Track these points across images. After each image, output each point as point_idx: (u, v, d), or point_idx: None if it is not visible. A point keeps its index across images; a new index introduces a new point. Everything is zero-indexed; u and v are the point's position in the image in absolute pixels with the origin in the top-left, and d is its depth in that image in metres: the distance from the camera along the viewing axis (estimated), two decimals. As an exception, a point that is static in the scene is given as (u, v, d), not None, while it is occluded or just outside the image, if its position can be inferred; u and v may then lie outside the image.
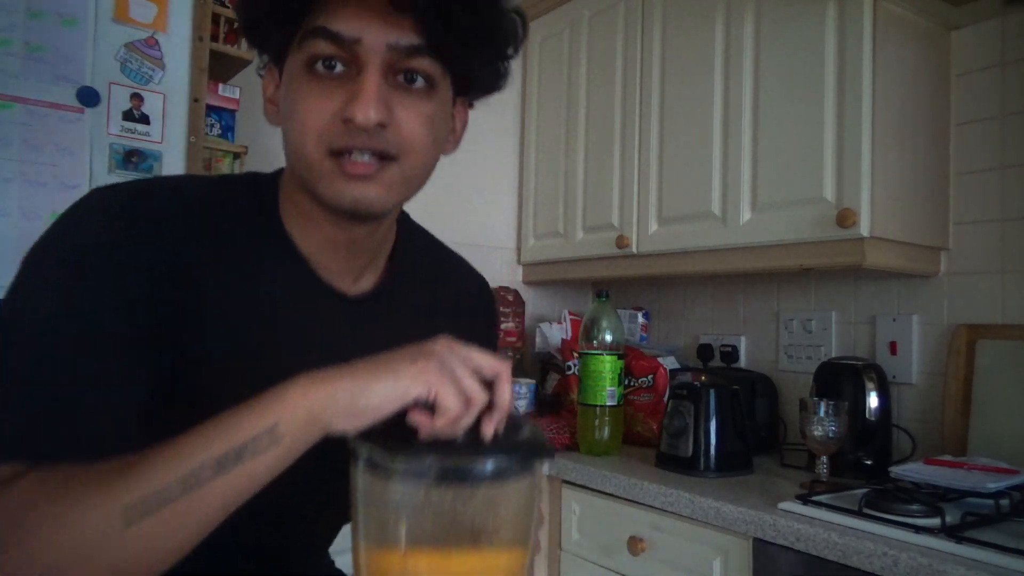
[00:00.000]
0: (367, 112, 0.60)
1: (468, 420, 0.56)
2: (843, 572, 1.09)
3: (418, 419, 0.55)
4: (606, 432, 1.70)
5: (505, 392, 0.59)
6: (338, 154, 0.63)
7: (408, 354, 0.57)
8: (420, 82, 0.65)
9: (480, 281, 0.93)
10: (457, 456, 0.53)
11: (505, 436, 0.58)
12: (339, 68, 0.63)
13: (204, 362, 0.65)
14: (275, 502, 0.60)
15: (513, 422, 0.59)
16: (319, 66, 0.62)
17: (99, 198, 0.64)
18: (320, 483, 0.68)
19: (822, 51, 1.52)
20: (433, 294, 0.84)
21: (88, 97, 1.23)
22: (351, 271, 0.75)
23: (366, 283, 0.77)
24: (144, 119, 1.28)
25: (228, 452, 0.53)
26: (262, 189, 0.73)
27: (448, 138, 0.74)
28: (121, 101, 1.26)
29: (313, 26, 0.62)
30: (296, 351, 0.68)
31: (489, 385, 0.58)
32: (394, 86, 0.64)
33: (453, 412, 0.55)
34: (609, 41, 2.05)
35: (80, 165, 1.22)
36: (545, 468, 0.58)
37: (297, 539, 0.80)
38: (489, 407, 0.58)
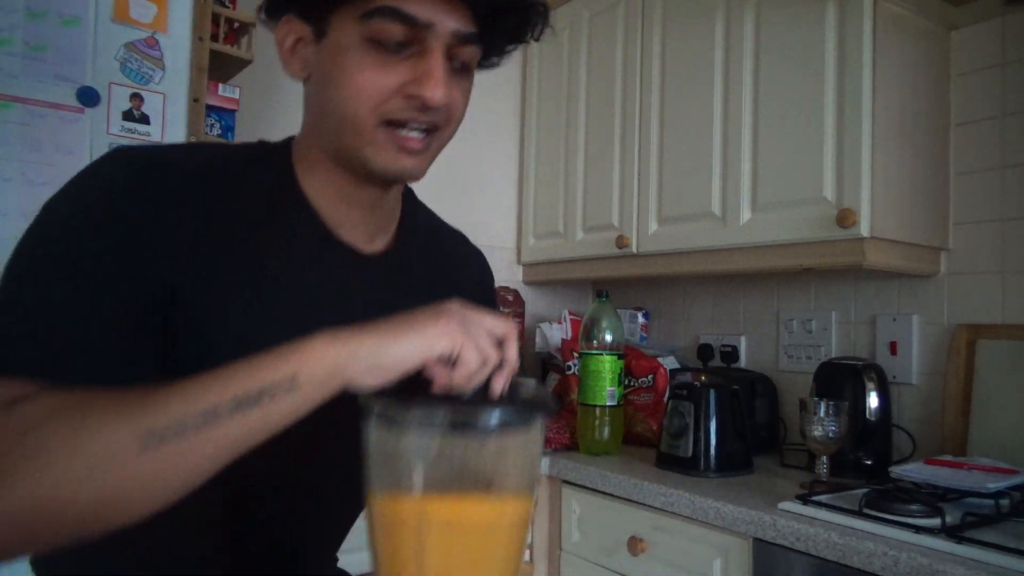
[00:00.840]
0: (438, 94, 0.65)
1: (482, 376, 0.60)
2: (843, 572, 1.09)
3: (437, 372, 0.59)
4: (606, 432, 1.70)
5: (513, 351, 0.63)
6: (394, 125, 0.67)
7: (430, 313, 0.60)
8: (462, 65, 0.70)
9: (478, 251, 0.97)
10: (468, 409, 0.57)
11: (511, 392, 0.63)
12: (400, 46, 0.66)
13: (222, 318, 0.65)
14: (292, 483, 0.63)
15: (518, 380, 0.64)
16: (384, 42, 0.65)
17: (125, 153, 0.68)
18: (335, 459, 0.70)
19: (822, 51, 1.52)
20: (438, 258, 0.87)
21: (88, 97, 1.23)
22: (367, 231, 0.76)
23: (380, 244, 0.79)
24: (144, 119, 1.28)
25: (248, 393, 0.54)
26: (275, 153, 0.74)
27: None
28: (121, 101, 1.26)
29: (382, 5, 0.64)
30: (315, 307, 0.70)
31: (499, 345, 0.62)
32: (447, 68, 0.67)
33: (472, 367, 0.59)
34: (609, 41, 2.05)
35: (80, 165, 1.20)
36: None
37: (311, 532, 0.81)
38: (499, 365, 0.62)
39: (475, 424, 0.55)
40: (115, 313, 0.59)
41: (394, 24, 0.64)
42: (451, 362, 0.59)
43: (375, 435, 0.58)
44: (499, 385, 0.62)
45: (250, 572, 0.73)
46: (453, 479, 0.56)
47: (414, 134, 0.67)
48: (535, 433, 0.60)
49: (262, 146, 0.76)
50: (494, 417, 0.56)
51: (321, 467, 0.73)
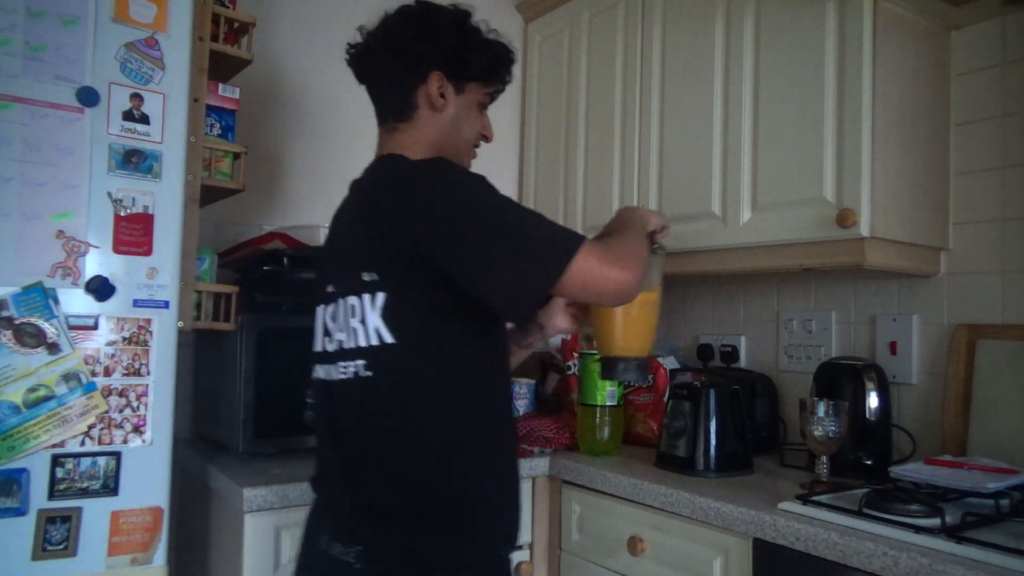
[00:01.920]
0: (493, 135, 1.28)
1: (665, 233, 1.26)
2: (843, 572, 1.09)
3: (659, 234, 1.24)
4: (606, 432, 1.70)
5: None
6: (475, 146, 1.26)
7: (642, 211, 1.25)
8: None
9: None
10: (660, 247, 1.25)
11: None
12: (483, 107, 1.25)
13: None
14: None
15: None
16: (483, 105, 1.24)
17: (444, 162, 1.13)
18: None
19: (822, 51, 1.52)
20: None
21: (88, 97, 1.23)
22: None
23: None
24: (144, 119, 1.28)
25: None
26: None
27: None
28: (121, 101, 1.26)
29: (495, 90, 1.24)
30: None
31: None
32: None
33: (668, 230, 1.26)
34: (609, 41, 2.05)
35: (80, 165, 1.22)
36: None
37: None
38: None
39: (660, 249, 1.24)
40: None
41: (492, 99, 1.25)
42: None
43: None
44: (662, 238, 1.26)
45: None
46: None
47: (475, 150, 1.27)
48: (659, 257, 1.23)
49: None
50: (662, 248, 1.25)
51: None
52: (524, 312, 1.02)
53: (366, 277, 1.04)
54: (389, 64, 1.16)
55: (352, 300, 1.06)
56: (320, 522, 1.14)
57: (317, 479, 1.18)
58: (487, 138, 1.24)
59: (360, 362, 1.06)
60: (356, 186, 1.19)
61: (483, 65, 1.19)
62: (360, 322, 1.05)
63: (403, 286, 1.02)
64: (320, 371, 1.15)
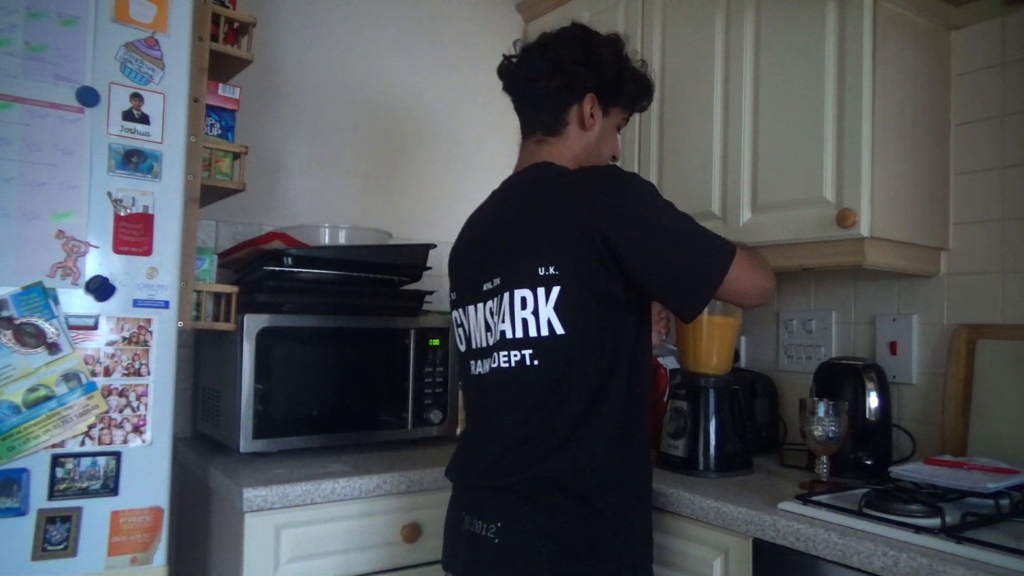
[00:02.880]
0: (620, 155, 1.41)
1: None
2: (843, 572, 1.09)
3: None
4: (606, 432, 1.70)
5: None
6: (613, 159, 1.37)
7: None
8: None
9: None
10: None
11: None
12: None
13: None
14: None
15: None
16: (620, 127, 1.36)
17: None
18: None
19: (822, 51, 1.52)
20: None
21: (88, 97, 1.23)
22: None
23: None
24: (144, 119, 1.28)
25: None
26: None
27: None
28: (121, 101, 1.26)
29: (629, 115, 1.37)
30: None
31: None
32: None
33: None
34: (609, 41, 2.04)
35: (80, 165, 1.22)
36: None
37: None
38: None
39: None
40: None
41: (626, 123, 1.37)
42: None
43: None
44: None
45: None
46: (718, 305, 1.42)
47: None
48: None
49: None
50: None
51: None
52: (694, 309, 1.14)
53: (542, 272, 1.13)
54: (548, 81, 1.25)
55: (523, 292, 1.15)
56: (462, 505, 1.24)
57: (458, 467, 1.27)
58: (615, 157, 1.37)
59: (527, 351, 1.15)
60: (509, 190, 1.29)
61: (631, 93, 1.32)
62: (532, 313, 1.14)
63: (578, 282, 1.12)
64: (476, 367, 1.25)
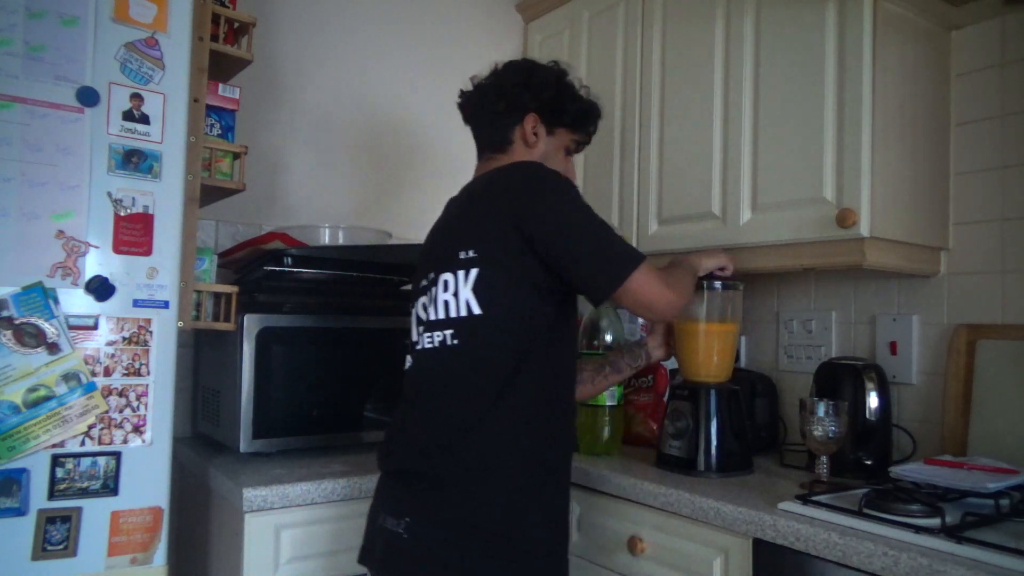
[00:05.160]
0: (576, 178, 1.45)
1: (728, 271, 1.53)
2: (843, 572, 1.09)
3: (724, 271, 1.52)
4: (606, 432, 1.70)
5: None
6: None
7: (698, 256, 1.51)
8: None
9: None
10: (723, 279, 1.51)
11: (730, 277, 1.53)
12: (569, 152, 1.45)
13: None
14: None
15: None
16: (569, 151, 1.44)
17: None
18: None
19: (822, 51, 1.52)
20: None
21: (88, 97, 1.23)
22: None
23: None
24: (144, 119, 1.28)
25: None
26: None
27: None
28: (121, 101, 1.26)
29: (581, 139, 1.45)
30: None
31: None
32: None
33: (729, 269, 1.53)
34: (609, 41, 2.05)
35: (80, 165, 1.22)
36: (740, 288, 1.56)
37: None
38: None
39: (724, 285, 1.51)
40: None
41: (577, 147, 1.45)
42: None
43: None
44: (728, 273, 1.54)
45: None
46: (713, 312, 1.51)
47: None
48: (736, 293, 1.51)
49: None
50: (729, 283, 1.52)
51: None
52: (598, 298, 1.21)
53: (462, 255, 1.21)
54: (494, 104, 1.37)
55: (446, 276, 1.23)
56: (379, 497, 1.27)
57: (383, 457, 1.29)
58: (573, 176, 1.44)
59: (448, 331, 1.21)
60: (453, 201, 1.39)
61: (573, 113, 1.40)
62: (453, 295, 1.21)
63: (495, 262, 1.19)
64: (408, 360, 1.30)
